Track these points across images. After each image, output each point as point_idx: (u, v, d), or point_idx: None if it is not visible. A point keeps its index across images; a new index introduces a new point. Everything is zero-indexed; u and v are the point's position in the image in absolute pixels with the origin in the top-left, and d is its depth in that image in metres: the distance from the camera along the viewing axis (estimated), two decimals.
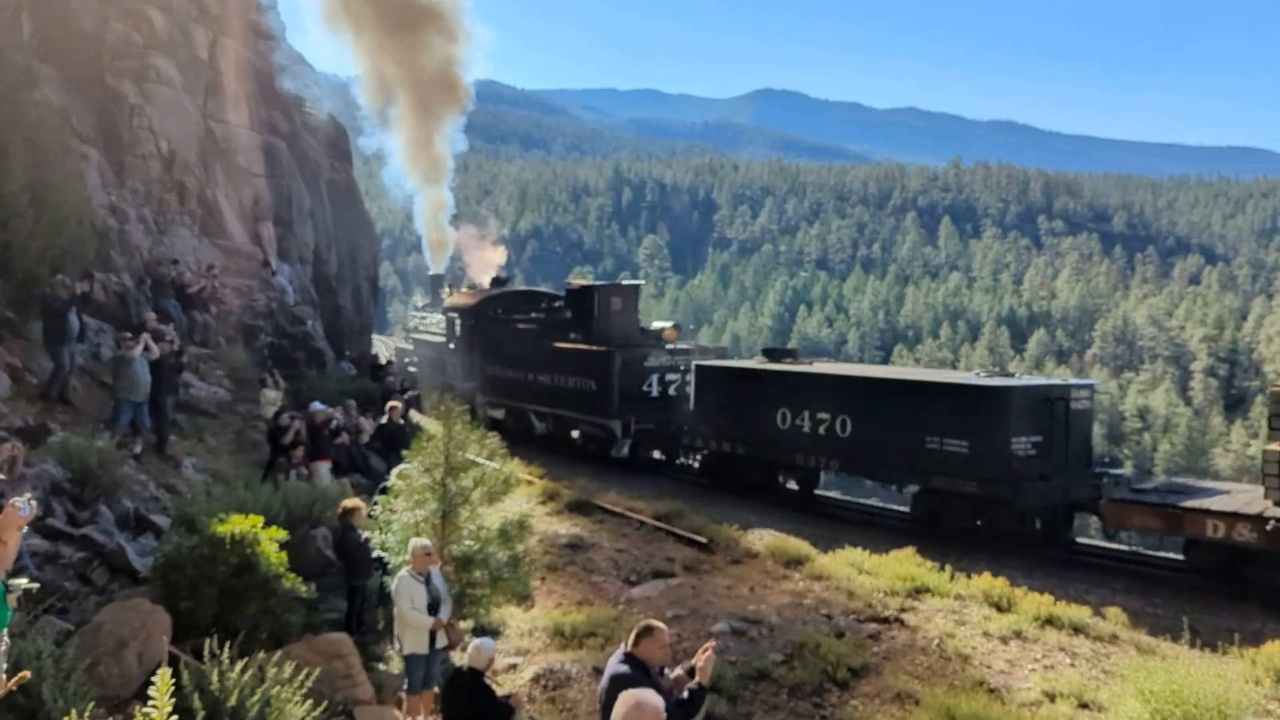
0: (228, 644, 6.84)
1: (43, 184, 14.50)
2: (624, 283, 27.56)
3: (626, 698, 4.02)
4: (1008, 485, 14.25)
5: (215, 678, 6.46)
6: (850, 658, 10.01)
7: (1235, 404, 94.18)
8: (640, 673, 5.15)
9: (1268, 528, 11.99)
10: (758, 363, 20.03)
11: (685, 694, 5.20)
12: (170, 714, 4.52)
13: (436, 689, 8.18)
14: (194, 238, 22.88)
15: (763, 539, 14.78)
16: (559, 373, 22.99)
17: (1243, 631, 10.91)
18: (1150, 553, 15.55)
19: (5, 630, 4.69)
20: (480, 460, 10.15)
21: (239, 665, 6.64)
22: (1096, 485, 14.63)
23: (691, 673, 5.37)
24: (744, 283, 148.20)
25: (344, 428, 16.20)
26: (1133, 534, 14.18)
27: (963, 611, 11.46)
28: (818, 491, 19.11)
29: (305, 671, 7.00)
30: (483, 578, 9.86)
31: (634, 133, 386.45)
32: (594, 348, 21.95)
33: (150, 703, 4.49)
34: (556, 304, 26.86)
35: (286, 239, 27.32)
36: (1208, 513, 12.72)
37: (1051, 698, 9.18)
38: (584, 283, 25.47)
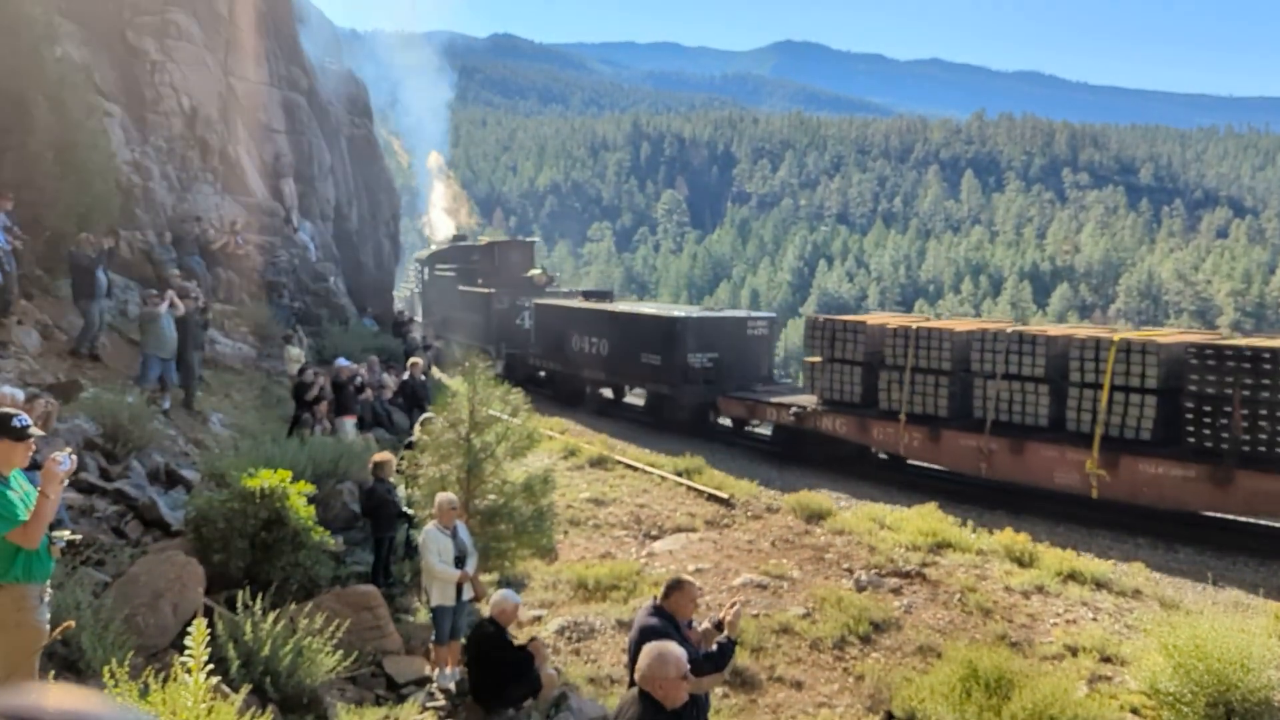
0: (259, 595, 6.96)
1: (67, 142, 14.54)
2: (521, 239, 37.52)
3: (650, 649, 4.09)
4: (679, 389, 20.31)
5: (249, 628, 6.58)
6: (872, 612, 10.08)
7: None
8: (669, 626, 5.23)
9: (791, 413, 17.94)
10: (568, 301, 25.96)
11: (714, 647, 5.27)
12: (206, 663, 4.63)
13: (463, 640, 8.31)
14: (216, 194, 22.92)
15: (784, 495, 14.86)
16: (464, 310, 30.30)
17: (1266, 586, 10.93)
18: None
19: (48, 581, 4.79)
20: (504, 416, 10.22)
21: (271, 616, 6.76)
22: (748, 387, 20.27)
23: (720, 626, 5.44)
24: (763, 238, 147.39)
25: (368, 384, 16.33)
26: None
27: (984, 566, 11.51)
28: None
29: (335, 623, 7.12)
30: (507, 531, 9.96)
31: (652, 86, 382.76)
32: (480, 290, 29.04)
33: (187, 652, 4.59)
34: (476, 257, 32.73)
35: (308, 195, 27.33)
36: (769, 404, 18.74)
37: (1074, 652, 9.23)
38: (489, 240, 35.07)
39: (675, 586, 5.43)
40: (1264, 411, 12.30)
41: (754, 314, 22.49)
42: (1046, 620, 10.12)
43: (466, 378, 9.96)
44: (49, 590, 4.84)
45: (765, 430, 20.23)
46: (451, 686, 8.10)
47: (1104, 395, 13.77)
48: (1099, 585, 10.93)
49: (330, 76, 31.32)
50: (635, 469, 16.40)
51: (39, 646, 4.72)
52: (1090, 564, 11.40)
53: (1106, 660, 9.02)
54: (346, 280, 28.81)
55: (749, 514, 13.82)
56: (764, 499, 14.57)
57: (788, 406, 18.10)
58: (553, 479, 10.92)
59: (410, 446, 10.72)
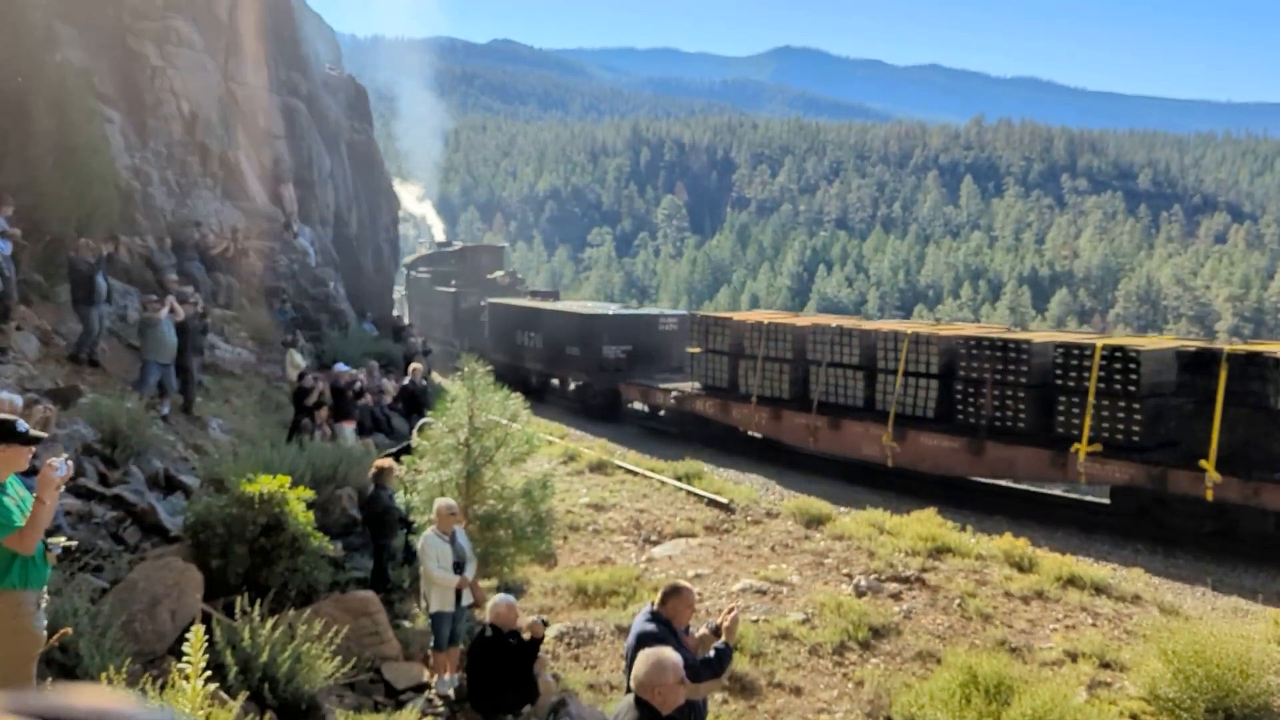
0: (258, 601, 6.96)
1: (67, 146, 14.55)
2: (490, 244, 43.35)
3: (647, 655, 4.08)
4: (596, 377, 23.10)
5: (247, 634, 6.58)
6: (872, 617, 10.07)
7: None
8: (667, 631, 5.22)
9: (673, 397, 20.66)
10: (517, 301, 28.78)
11: (711, 653, 5.27)
12: (204, 669, 4.62)
13: (462, 646, 8.30)
14: (216, 199, 22.94)
15: (784, 500, 14.85)
16: (437, 309, 33.47)
17: (1265, 592, 10.93)
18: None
19: (45, 588, 4.79)
20: (504, 421, 10.21)
21: (270, 622, 6.76)
22: (653, 376, 22.42)
23: (717, 632, 5.44)
24: (763, 242, 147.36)
25: (367, 389, 16.32)
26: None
27: (984, 571, 11.50)
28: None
29: (334, 629, 7.11)
30: (506, 537, 9.95)
31: (652, 92, 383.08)
32: (448, 289, 32.33)
33: (185, 658, 4.59)
34: (449, 260, 36.00)
35: (307, 201, 27.35)
36: (658, 389, 21.26)
37: (1073, 657, 9.22)
38: (461, 245, 39.53)
39: (672, 592, 5.43)
40: (1009, 393, 14.91)
41: (666, 312, 26.23)
42: (1046, 626, 10.12)
43: (465, 382, 9.95)
44: (46, 596, 4.83)
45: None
46: (450, 693, 8.09)
47: (898, 379, 16.24)
48: (1098, 590, 10.93)
49: (330, 82, 31.36)
50: (635, 474, 16.39)
51: (36, 653, 4.71)
52: (1090, 569, 11.40)
53: (1106, 666, 9.02)
54: (346, 285, 28.82)
55: (749, 519, 13.81)
56: (764, 504, 14.57)
57: (670, 391, 20.82)
58: (552, 484, 10.91)
59: (409, 451, 10.70)
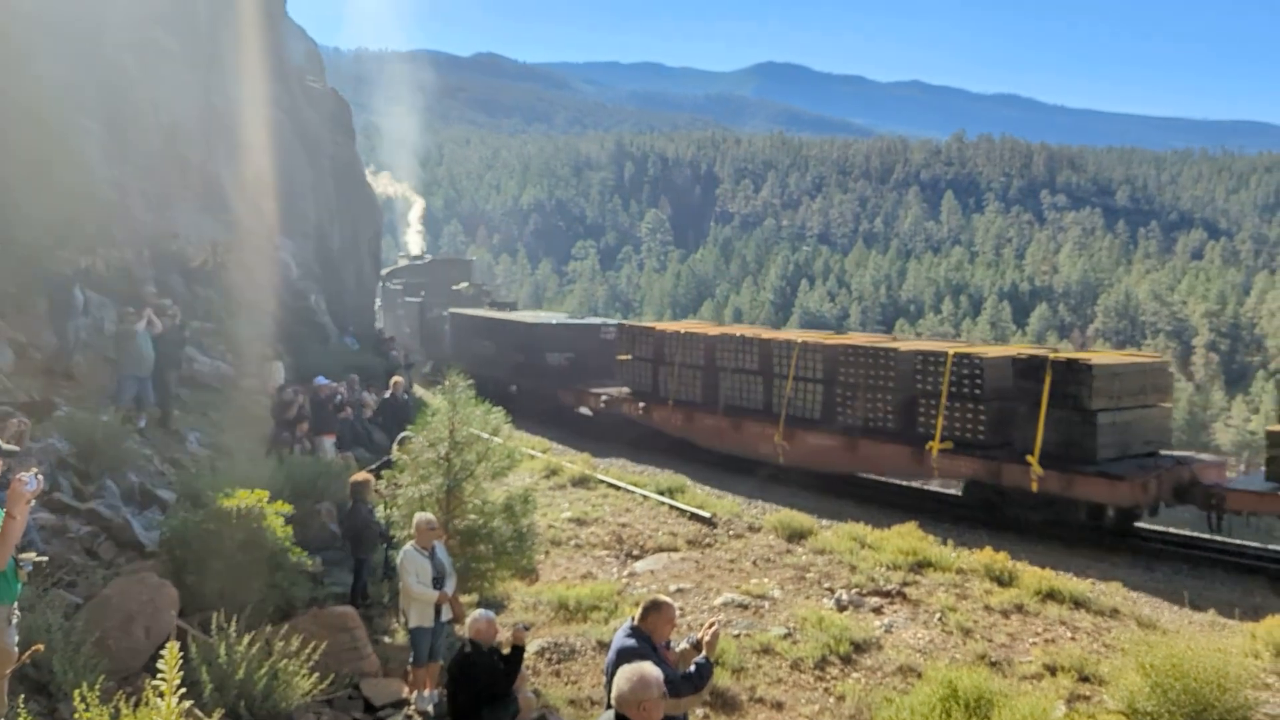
0: (234, 618, 6.89)
1: (45, 158, 14.45)
2: (458, 257, 48.17)
3: (628, 671, 4.06)
4: (542, 382, 24.26)
5: (223, 651, 6.51)
6: (853, 631, 10.05)
7: (1236, 379, 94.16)
8: (647, 646, 5.20)
9: (602, 401, 21.87)
10: (472, 311, 30.10)
11: (691, 668, 5.25)
12: (179, 687, 4.57)
13: (441, 662, 8.24)
14: (196, 212, 22.79)
15: (766, 514, 14.85)
16: (406, 319, 35.15)
17: (1243, 606, 10.98)
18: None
19: (16, 604, 4.73)
20: (485, 435, 10.18)
21: (246, 639, 6.69)
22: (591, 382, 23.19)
23: (698, 647, 5.42)
24: (746, 257, 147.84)
25: (347, 402, 16.24)
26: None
27: (964, 585, 11.51)
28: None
29: (312, 645, 7.06)
30: (487, 552, 9.90)
31: (636, 106, 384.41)
32: (416, 300, 34.18)
33: (159, 675, 4.53)
34: (419, 272, 37.82)
35: (288, 214, 27.21)
36: (590, 393, 22.48)
37: (1053, 671, 9.23)
38: (430, 258, 41.79)
39: (653, 608, 5.41)
40: (878, 396, 16.23)
41: (607, 321, 27.51)
42: (1026, 639, 10.13)
43: (446, 396, 9.91)
44: (17, 612, 4.77)
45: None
46: (430, 709, 8.03)
47: (788, 384, 17.63)
48: (1077, 604, 10.95)
49: (312, 95, 31.28)
50: (618, 488, 16.35)
51: (8, 670, 4.65)
52: (1069, 583, 11.42)
53: (1085, 680, 9.03)
54: (327, 299, 28.67)
55: (731, 533, 13.80)
56: (746, 518, 14.55)
57: (600, 395, 22.08)
58: (533, 499, 10.88)
59: (389, 466, 10.65)
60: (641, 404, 20.91)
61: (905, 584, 11.52)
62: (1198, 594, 11.49)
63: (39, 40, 17.58)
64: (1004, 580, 11.56)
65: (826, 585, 11.65)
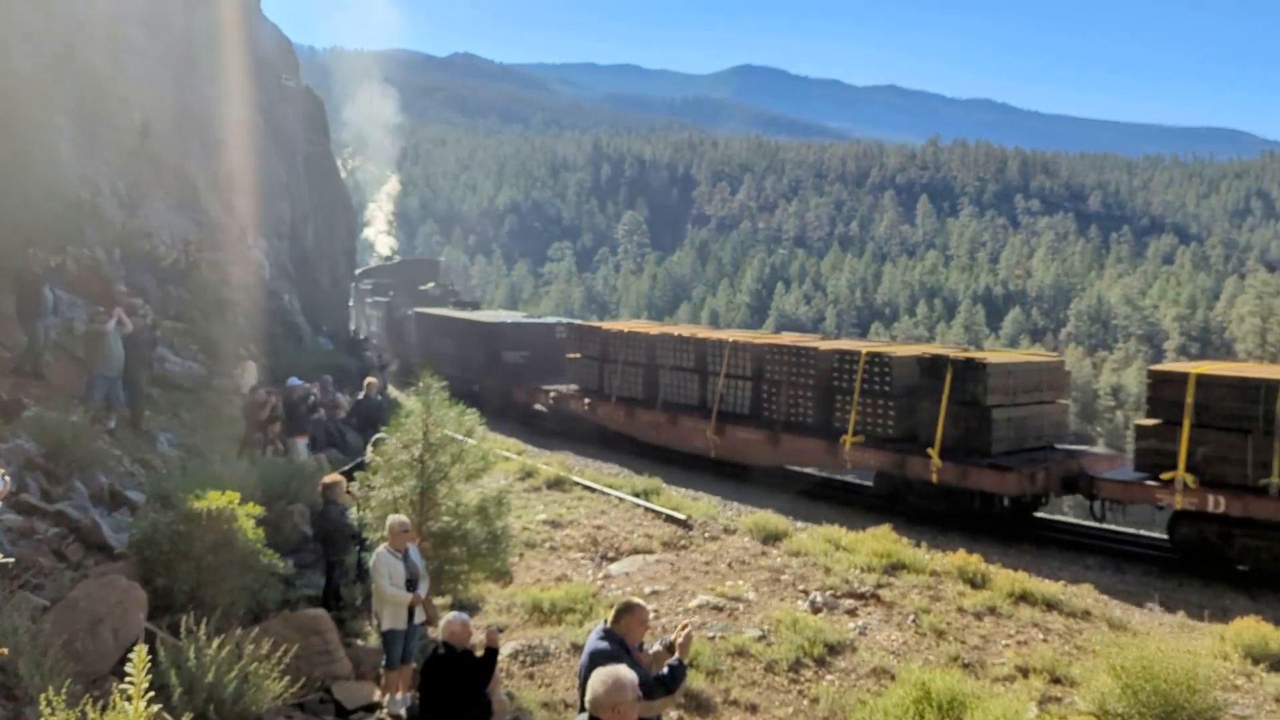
0: (204, 620, 6.82)
1: (15, 156, 14.27)
2: (426, 258, 48.75)
3: (603, 675, 4.04)
4: (497, 379, 24.82)
5: (192, 654, 6.44)
6: (827, 634, 10.08)
7: None
8: (620, 649, 5.19)
9: (551, 397, 22.80)
10: (435, 310, 30.59)
11: (665, 670, 5.24)
12: (147, 690, 4.51)
13: (414, 665, 8.19)
14: (169, 210, 22.59)
15: (741, 516, 14.87)
16: (374, 313, 36.32)
17: (1212, 608, 11.09)
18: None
19: None
20: (459, 436, 10.12)
21: (216, 642, 6.62)
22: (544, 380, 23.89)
23: (671, 649, 5.41)
24: (722, 259, 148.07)
25: (321, 403, 16.14)
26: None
27: (938, 587, 11.57)
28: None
29: (283, 648, 6.99)
30: (461, 554, 9.85)
31: (613, 107, 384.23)
32: (383, 299, 35.00)
33: (127, 679, 4.47)
34: (389, 273, 38.79)
35: (262, 213, 27.02)
36: (541, 390, 23.28)
37: (1025, 673, 9.29)
38: (400, 259, 43.98)
39: (626, 610, 5.40)
40: (799, 393, 17.09)
41: (561, 320, 28.38)
42: (998, 641, 10.20)
43: (420, 397, 9.85)
44: None
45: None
46: (402, 712, 7.98)
47: (720, 381, 18.43)
48: (1050, 606, 11.03)
49: (287, 94, 31.07)
50: (593, 490, 16.33)
51: None
52: (1041, 585, 11.50)
53: (1056, 681, 9.10)
54: (301, 298, 28.50)
55: (706, 535, 13.80)
56: (721, 520, 14.56)
57: (550, 392, 22.81)
58: (508, 501, 10.83)
59: (362, 467, 10.57)
60: (587, 400, 21.68)
61: (879, 586, 11.57)
62: (1167, 596, 11.61)
63: (10, 36, 17.37)
64: (977, 582, 11.63)
65: (801, 587, 11.68)
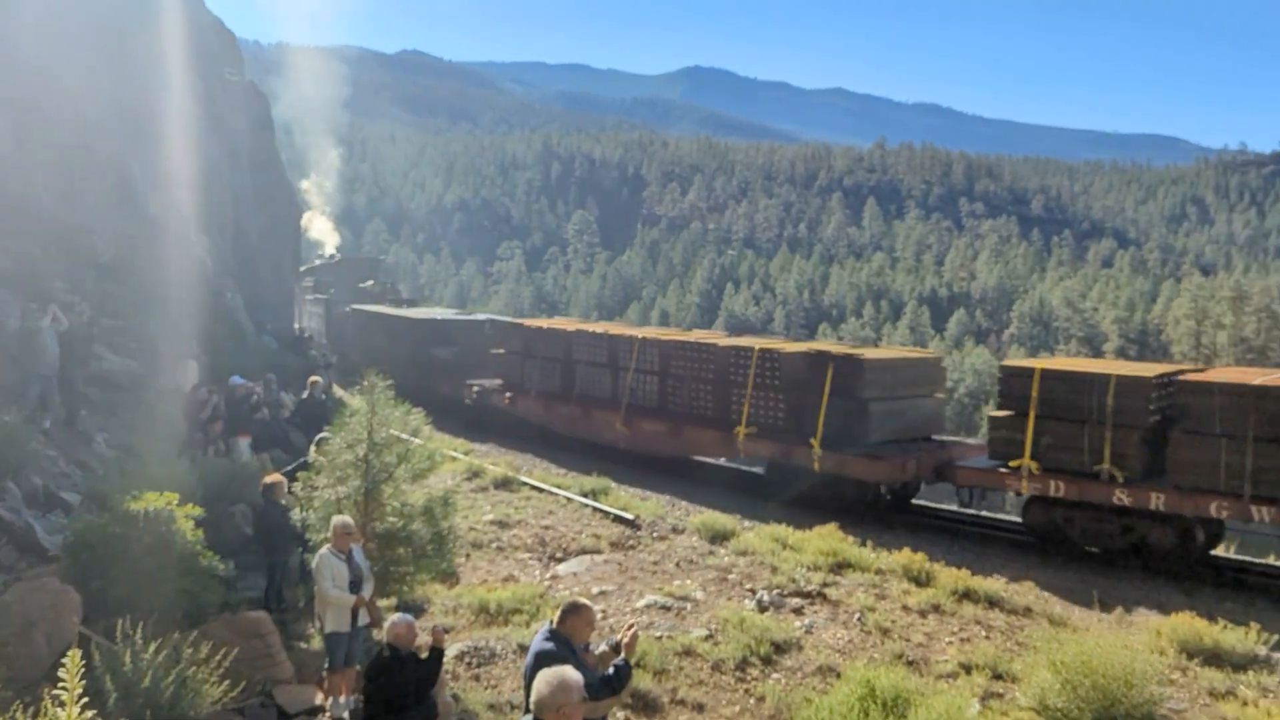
0: (141, 624, 6.67)
1: None
2: (366, 257, 50.27)
3: (547, 675, 4.02)
4: (429, 376, 24.70)
5: (128, 659, 6.31)
6: (774, 632, 10.14)
7: None
8: (565, 650, 5.17)
9: (474, 391, 23.20)
10: (370, 307, 31.52)
11: (610, 670, 5.22)
12: (81, 696, 4.40)
13: (358, 667, 8.09)
14: (107, 206, 22.05)
15: (689, 515, 14.90)
16: (315, 310, 36.76)
17: (1148, 604, 11.34)
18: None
19: None
20: (405, 436, 10.02)
21: (153, 646, 6.49)
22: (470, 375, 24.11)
23: (617, 649, 5.40)
24: (672, 260, 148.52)
25: (264, 402, 15.89)
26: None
27: (883, 586, 11.68)
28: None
29: (223, 651, 6.88)
30: (406, 555, 9.76)
31: (563, 107, 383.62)
32: (322, 297, 35.90)
33: (60, 684, 4.36)
34: (329, 271, 39.22)
35: (204, 209, 26.50)
36: (469, 385, 23.38)
37: (968, 670, 9.42)
38: (340, 257, 43.76)
39: (571, 610, 5.39)
40: (700, 386, 17.96)
41: (492, 317, 29.38)
42: (942, 639, 10.32)
43: (365, 396, 9.74)
44: None
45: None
46: (345, 716, 7.88)
47: (629, 376, 19.24)
48: (992, 604, 11.20)
49: (230, 88, 30.54)
50: (541, 490, 16.27)
51: None
52: (984, 583, 11.67)
53: (998, 678, 9.23)
54: (245, 296, 28.00)
55: (654, 535, 13.82)
56: (669, 520, 14.59)
57: (473, 386, 23.33)
58: (454, 501, 10.75)
59: (305, 467, 10.42)
60: (509, 394, 22.33)
61: (825, 585, 11.66)
62: (1106, 593, 11.84)
63: None
64: (921, 580, 11.76)
65: (748, 586, 11.73)
